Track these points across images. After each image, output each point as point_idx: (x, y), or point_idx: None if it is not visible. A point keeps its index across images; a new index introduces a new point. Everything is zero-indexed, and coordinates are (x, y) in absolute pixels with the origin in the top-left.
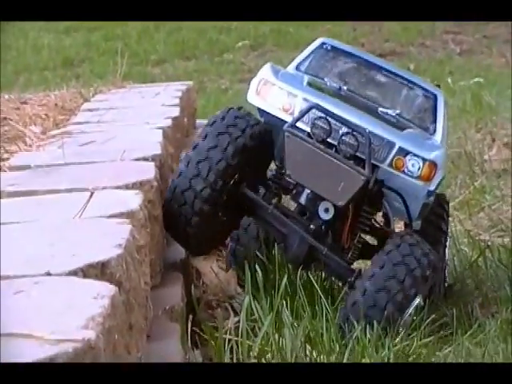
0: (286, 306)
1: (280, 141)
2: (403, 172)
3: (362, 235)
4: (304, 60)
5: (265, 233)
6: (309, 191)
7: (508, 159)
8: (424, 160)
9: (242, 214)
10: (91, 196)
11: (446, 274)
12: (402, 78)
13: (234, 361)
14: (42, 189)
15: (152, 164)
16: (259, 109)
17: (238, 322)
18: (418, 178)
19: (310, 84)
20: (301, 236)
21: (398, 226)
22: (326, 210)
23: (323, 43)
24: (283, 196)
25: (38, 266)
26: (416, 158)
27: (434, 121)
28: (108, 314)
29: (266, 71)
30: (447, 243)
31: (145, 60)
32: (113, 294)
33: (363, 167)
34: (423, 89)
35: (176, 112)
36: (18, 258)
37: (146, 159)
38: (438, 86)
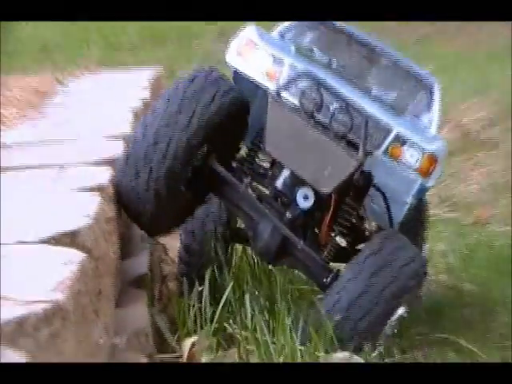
0: (247, 276)
1: (257, 111)
2: (399, 162)
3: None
4: (289, 28)
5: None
6: (287, 174)
7: (458, 139)
8: (424, 151)
9: (208, 189)
10: (63, 171)
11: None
12: (399, 60)
13: (198, 324)
14: (16, 165)
15: (122, 142)
16: (236, 72)
17: (203, 291)
18: (416, 170)
19: (298, 51)
20: (274, 225)
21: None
22: (306, 198)
23: None
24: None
25: (11, 235)
26: (416, 148)
27: (430, 112)
28: (77, 278)
29: (250, 31)
30: (425, 238)
31: (118, 47)
32: (82, 260)
33: (356, 149)
34: (420, 76)
35: (146, 94)
36: None
37: (116, 138)
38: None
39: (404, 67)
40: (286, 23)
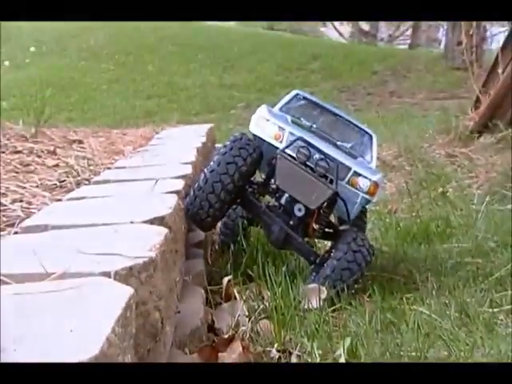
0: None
1: (269, 157)
2: (356, 188)
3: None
4: (285, 104)
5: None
6: (287, 195)
7: (379, 165)
8: (371, 181)
9: (244, 208)
10: (156, 182)
11: None
12: (351, 122)
13: (231, 269)
14: (130, 179)
15: (190, 166)
16: (255, 135)
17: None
18: (367, 193)
19: (293, 121)
20: (280, 226)
21: None
22: (299, 210)
23: (297, 94)
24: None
25: (126, 218)
26: (366, 179)
27: (371, 153)
28: (163, 243)
29: (263, 110)
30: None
31: (188, 113)
32: (166, 233)
33: (331, 182)
34: (364, 131)
35: (204, 139)
36: (113, 213)
37: (186, 164)
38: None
39: (355, 126)
40: (282, 101)
